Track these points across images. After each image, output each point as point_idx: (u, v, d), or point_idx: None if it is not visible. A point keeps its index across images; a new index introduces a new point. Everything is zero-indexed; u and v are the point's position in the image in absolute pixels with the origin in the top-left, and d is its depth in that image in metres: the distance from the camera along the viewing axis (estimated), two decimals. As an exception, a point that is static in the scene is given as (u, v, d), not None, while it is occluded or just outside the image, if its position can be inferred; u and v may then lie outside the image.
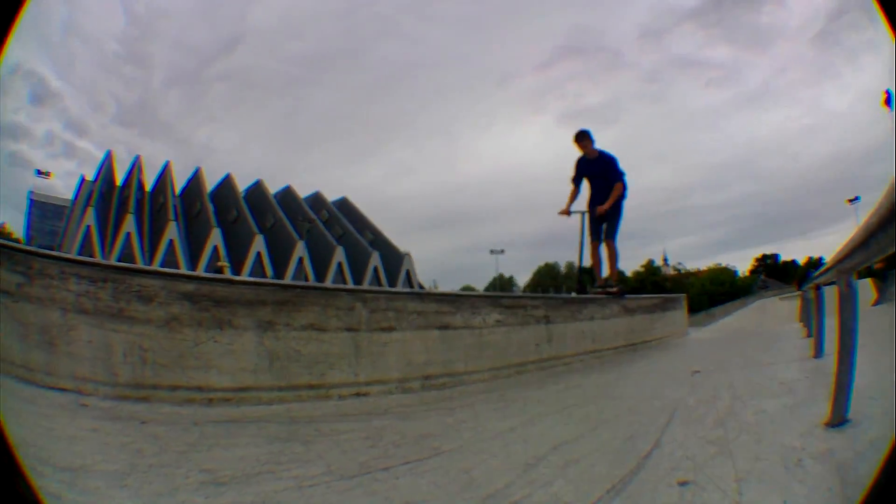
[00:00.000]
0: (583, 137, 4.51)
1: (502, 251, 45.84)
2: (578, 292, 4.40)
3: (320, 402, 2.17)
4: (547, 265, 61.28)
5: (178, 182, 53.17)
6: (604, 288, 4.37)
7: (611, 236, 4.43)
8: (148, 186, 52.52)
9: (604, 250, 4.47)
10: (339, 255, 46.64)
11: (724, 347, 3.82)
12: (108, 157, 53.29)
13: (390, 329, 2.14)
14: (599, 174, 4.42)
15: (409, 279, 47.07)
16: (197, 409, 2.25)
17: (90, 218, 44.21)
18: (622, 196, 4.40)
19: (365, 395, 2.11)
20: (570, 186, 4.50)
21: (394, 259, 49.53)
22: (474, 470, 1.60)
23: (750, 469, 1.35)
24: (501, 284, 49.34)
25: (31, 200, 50.13)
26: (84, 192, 48.97)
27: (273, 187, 53.44)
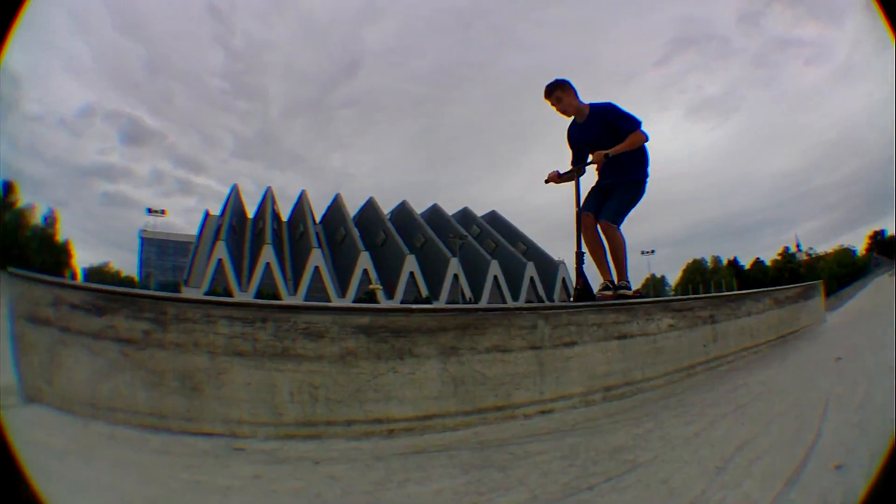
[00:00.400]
0: (556, 89, 3.74)
1: (652, 251, 52.31)
2: (577, 297, 3.63)
3: (507, 422, 2.57)
4: (695, 261, 67.27)
5: (317, 210, 62.74)
6: (615, 290, 3.66)
7: (611, 217, 3.67)
8: (284, 216, 61.41)
9: (603, 236, 3.76)
10: (495, 268, 54.55)
11: (854, 331, 4.52)
12: (234, 191, 61.79)
13: (572, 343, 2.56)
14: (602, 138, 3.67)
15: (565, 287, 55.41)
16: (377, 443, 2.58)
17: (221, 251, 52.00)
18: (644, 162, 3.79)
19: (549, 412, 2.54)
20: (570, 168, 3.98)
21: (548, 268, 57.74)
22: (672, 480, 1.94)
23: (881, 445, 1.74)
24: (654, 285, 56.83)
25: (143, 239, 59.05)
26: (210, 226, 57.97)
27: (418, 207, 63.09)
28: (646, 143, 3.82)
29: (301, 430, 2.56)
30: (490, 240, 58.40)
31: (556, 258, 57.23)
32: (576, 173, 3.91)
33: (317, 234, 56.25)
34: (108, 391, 2.71)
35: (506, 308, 2.59)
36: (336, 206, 61.87)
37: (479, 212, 63.12)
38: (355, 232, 56.18)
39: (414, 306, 2.49)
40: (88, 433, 2.75)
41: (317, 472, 2.41)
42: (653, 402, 2.87)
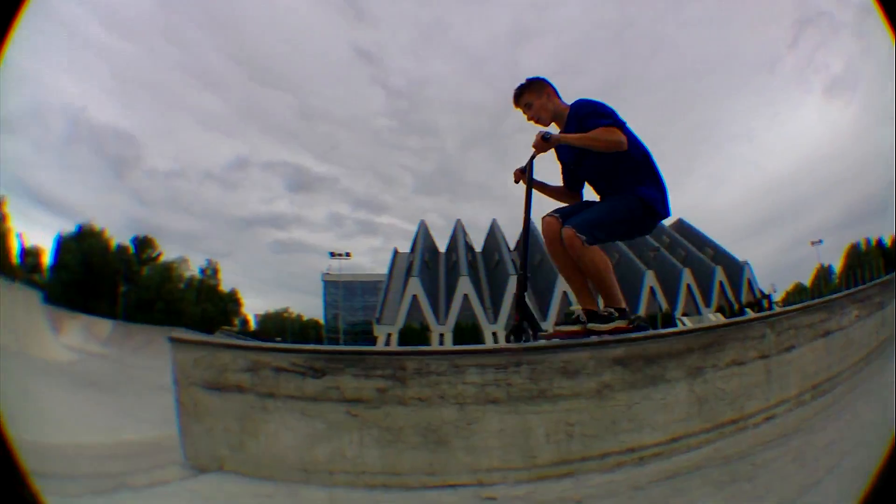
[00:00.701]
0: (525, 92, 3.28)
1: (820, 241, 55.97)
2: (514, 334, 3.05)
3: (739, 434, 2.81)
4: (851, 246, 70.23)
5: (509, 237, 66.37)
6: (585, 323, 3.04)
7: (579, 226, 3.01)
8: (476, 247, 66.58)
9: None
10: (687, 276, 57.66)
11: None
12: (422, 226, 67.14)
13: (791, 347, 2.80)
14: (602, 158, 3.10)
15: (751, 288, 59.46)
16: (629, 472, 2.74)
17: (415, 287, 56.77)
18: (650, 178, 3.14)
19: (772, 417, 2.77)
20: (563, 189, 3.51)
21: (734, 270, 60.53)
22: (867, 465, 2.39)
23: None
24: (822, 276, 60.47)
25: (325, 282, 66.25)
26: (400, 263, 64.43)
27: None
28: (652, 161, 3.18)
29: (554, 470, 2.62)
30: (680, 248, 63.62)
31: (739, 259, 61.94)
32: (523, 175, 3.33)
33: (512, 261, 60.10)
34: (326, 454, 2.65)
35: (740, 321, 2.74)
36: (529, 232, 67.29)
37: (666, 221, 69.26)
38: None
39: (664, 331, 2.56)
40: (299, 500, 2.63)
41: (581, 509, 2.45)
42: (845, 394, 3.19)
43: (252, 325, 70.04)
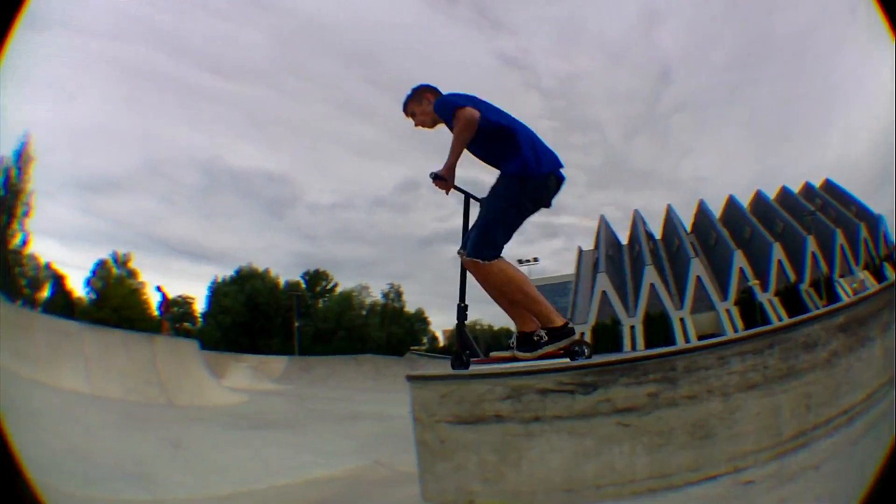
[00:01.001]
0: (410, 102, 3.38)
1: None
2: (455, 362, 3.08)
3: None
4: None
5: (686, 220, 68.65)
6: (514, 349, 3.07)
7: (471, 249, 3.00)
8: (656, 234, 68.05)
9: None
10: (840, 237, 58.40)
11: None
12: (601, 221, 68.58)
13: None
14: (472, 148, 3.22)
15: (885, 241, 58.64)
16: (845, 432, 3.05)
17: (603, 283, 58.82)
18: (514, 148, 3.07)
19: None
20: None
21: (871, 225, 60.70)
22: None
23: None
24: None
25: None
26: (585, 261, 66.96)
27: (769, 192, 69.04)
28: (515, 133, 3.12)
29: (793, 443, 2.74)
30: (830, 208, 64.06)
31: (875, 213, 62.94)
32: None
33: (692, 244, 61.35)
34: (594, 469, 2.57)
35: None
36: (701, 213, 67.50)
37: (816, 182, 71.06)
38: (725, 233, 61.10)
39: (866, 293, 2.79)
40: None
41: (821, 475, 2.63)
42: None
43: (441, 341, 72.13)
